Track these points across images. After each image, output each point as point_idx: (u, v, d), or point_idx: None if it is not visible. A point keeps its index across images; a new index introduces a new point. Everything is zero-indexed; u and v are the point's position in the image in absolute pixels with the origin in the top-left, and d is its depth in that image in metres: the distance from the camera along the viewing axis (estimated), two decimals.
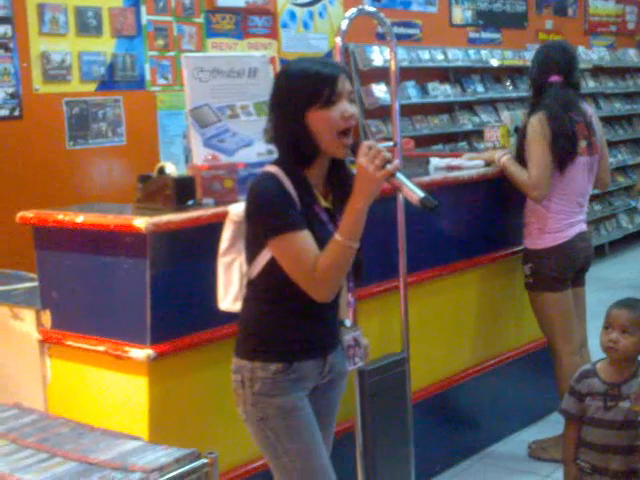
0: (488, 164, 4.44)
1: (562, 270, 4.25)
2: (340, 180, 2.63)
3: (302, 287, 2.49)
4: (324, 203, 2.60)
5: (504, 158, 4.32)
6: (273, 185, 2.49)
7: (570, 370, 4.22)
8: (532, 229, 4.26)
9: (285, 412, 2.57)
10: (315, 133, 2.48)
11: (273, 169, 2.53)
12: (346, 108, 2.48)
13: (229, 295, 2.80)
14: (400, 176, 2.41)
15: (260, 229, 2.51)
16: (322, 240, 2.48)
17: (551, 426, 4.64)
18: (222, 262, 2.83)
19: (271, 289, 2.59)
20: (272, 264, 2.53)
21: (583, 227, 4.31)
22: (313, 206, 2.55)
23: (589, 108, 4.40)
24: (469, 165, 4.41)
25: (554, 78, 4.22)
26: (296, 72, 2.54)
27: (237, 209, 2.80)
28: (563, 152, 4.14)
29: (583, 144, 4.23)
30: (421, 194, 2.37)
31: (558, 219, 4.21)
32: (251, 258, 2.60)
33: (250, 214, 2.54)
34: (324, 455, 2.65)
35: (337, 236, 2.44)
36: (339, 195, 2.61)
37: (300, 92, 2.48)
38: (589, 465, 3.23)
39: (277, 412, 2.57)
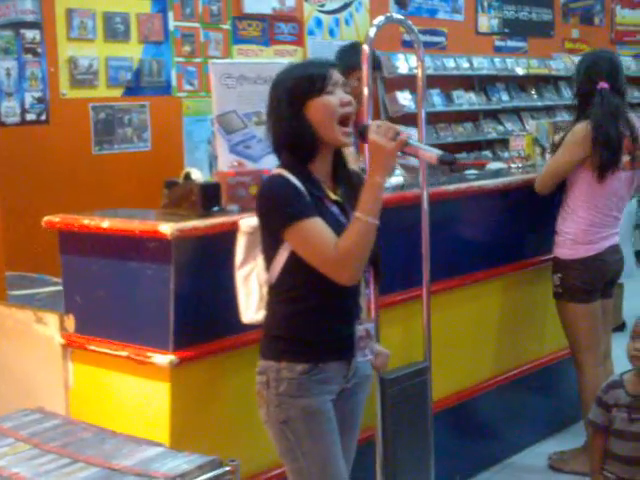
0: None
1: (591, 282, 4.22)
2: (344, 175, 2.70)
3: (325, 271, 2.51)
4: (333, 196, 2.65)
5: None
6: (281, 181, 2.55)
7: (593, 381, 4.20)
8: (565, 239, 4.21)
9: (308, 415, 2.58)
10: (315, 123, 2.56)
11: (278, 171, 2.59)
12: (343, 95, 2.59)
13: (250, 306, 2.86)
14: (413, 142, 2.55)
15: (275, 222, 2.54)
16: (335, 232, 2.52)
17: (571, 438, 4.61)
18: (239, 275, 2.90)
19: (292, 289, 2.61)
20: (290, 262, 2.56)
21: (615, 240, 4.28)
22: (323, 200, 2.60)
23: (637, 120, 4.34)
24: None
25: (602, 85, 4.16)
26: (288, 74, 2.63)
27: (248, 221, 2.88)
28: (604, 163, 4.10)
29: (626, 158, 4.18)
30: (438, 152, 2.52)
31: (592, 231, 4.17)
32: (269, 262, 2.63)
33: (263, 212, 2.59)
34: (341, 462, 2.65)
35: (357, 214, 2.49)
36: (346, 189, 2.68)
37: (296, 88, 2.57)
38: (615, 477, 3.21)
39: (300, 414, 2.58)
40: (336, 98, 2.57)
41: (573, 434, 4.63)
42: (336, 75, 2.60)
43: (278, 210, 2.53)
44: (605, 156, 4.09)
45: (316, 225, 2.50)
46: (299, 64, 2.76)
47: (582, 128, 4.13)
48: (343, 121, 2.58)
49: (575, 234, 4.18)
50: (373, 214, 2.49)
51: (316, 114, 2.56)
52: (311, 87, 2.56)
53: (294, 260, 2.55)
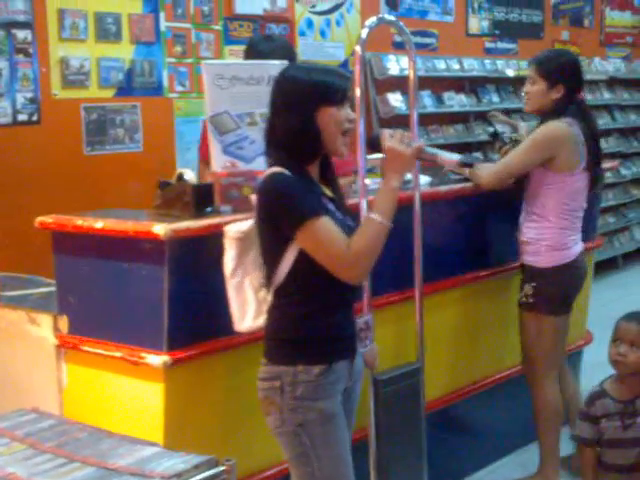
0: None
1: (569, 291, 4.08)
2: (331, 176, 2.76)
3: (336, 270, 2.54)
4: (329, 193, 2.70)
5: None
6: (286, 178, 2.57)
7: (554, 398, 4.11)
8: (540, 246, 4.00)
9: (325, 417, 2.61)
10: (322, 130, 2.59)
11: (277, 169, 2.60)
12: (349, 112, 2.65)
13: (248, 314, 2.84)
14: (429, 149, 2.61)
15: (288, 221, 2.54)
16: None
17: None
18: (232, 284, 2.86)
19: (301, 290, 2.61)
20: (298, 263, 2.57)
21: (582, 244, 4.14)
22: (321, 197, 2.64)
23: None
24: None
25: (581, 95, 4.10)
26: (306, 77, 2.63)
27: (236, 227, 2.86)
28: (594, 171, 4.05)
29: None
30: (458, 157, 2.64)
31: (566, 235, 4.01)
32: (274, 263, 2.61)
33: (272, 210, 2.58)
34: (351, 465, 2.69)
35: (374, 216, 2.56)
36: (333, 189, 2.75)
37: (315, 93, 2.59)
38: None
39: (318, 417, 2.59)
40: (345, 112, 2.62)
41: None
42: (350, 89, 2.69)
43: (290, 209, 2.53)
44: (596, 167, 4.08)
45: (326, 223, 2.53)
46: (316, 68, 2.73)
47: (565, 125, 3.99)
48: (344, 133, 2.63)
49: (550, 240, 3.99)
50: (387, 217, 2.56)
51: (326, 122, 2.59)
52: (330, 96, 2.59)
53: (303, 259, 2.56)
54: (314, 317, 2.62)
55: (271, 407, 2.63)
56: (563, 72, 4.04)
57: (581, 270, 4.12)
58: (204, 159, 4.02)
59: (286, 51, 4.12)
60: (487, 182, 4.00)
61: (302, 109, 2.58)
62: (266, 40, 4.32)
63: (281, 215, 2.55)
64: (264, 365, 2.65)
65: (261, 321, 2.76)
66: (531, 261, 4.06)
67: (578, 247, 4.08)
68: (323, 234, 2.51)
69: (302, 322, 2.62)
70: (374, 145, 2.63)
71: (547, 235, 4.01)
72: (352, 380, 2.75)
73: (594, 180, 4.10)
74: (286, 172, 2.56)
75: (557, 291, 4.05)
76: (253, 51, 4.11)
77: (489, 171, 4.00)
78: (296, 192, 2.53)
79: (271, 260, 2.62)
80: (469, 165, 2.60)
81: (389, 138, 2.61)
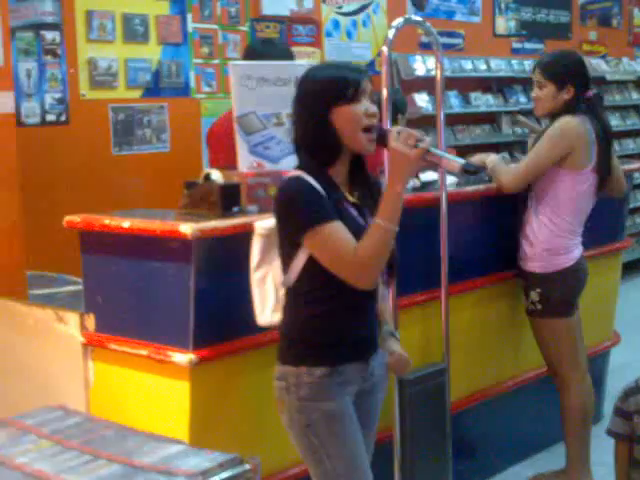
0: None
1: (574, 293, 4.07)
2: (362, 178, 2.70)
3: (344, 276, 2.51)
4: (351, 198, 2.65)
5: (491, 158, 4.14)
6: (300, 183, 2.54)
7: (582, 397, 4.09)
8: (541, 250, 3.99)
9: (330, 417, 2.59)
10: (339, 129, 2.55)
11: (297, 173, 2.58)
12: (369, 106, 2.56)
13: (266, 309, 2.86)
14: (435, 150, 2.51)
15: (294, 226, 2.54)
16: (354, 234, 2.52)
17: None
18: (255, 277, 2.90)
19: (311, 291, 2.61)
20: (309, 264, 2.56)
21: (582, 247, 4.10)
22: (342, 202, 2.60)
23: None
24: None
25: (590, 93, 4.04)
26: (323, 75, 2.61)
27: (263, 223, 2.89)
28: (603, 172, 4.01)
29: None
30: (462, 161, 2.49)
31: (568, 238, 3.99)
32: (287, 264, 2.62)
33: (282, 214, 2.58)
34: (366, 461, 2.67)
35: (378, 220, 2.49)
36: (363, 192, 2.68)
37: (327, 91, 2.55)
38: None
39: (323, 417, 2.58)
40: (362, 107, 2.55)
41: None
42: (367, 84, 2.58)
43: (297, 214, 2.53)
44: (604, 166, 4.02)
45: (335, 230, 2.50)
46: (332, 65, 2.74)
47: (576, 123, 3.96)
48: (366, 129, 2.56)
49: (553, 244, 3.98)
50: (393, 221, 2.49)
51: (341, 121, 2.54)
52: (343, 93, 2.53)
53: (313, 262, 2.55)
54: (321, 319, 2.61)
55: (282, 407, 2.65)
56: (571, 73, 4.01)
57: (583, 272, 4.12)
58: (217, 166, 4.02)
59: (286, 55, 4.11)
60: (509, 184, 4.00)
61: (315, 110, 2.56)
62: (266, 44, 4.33)
63: (289, 220, 2.55)
64: (276, 364, 2.67)
65: (278, 317, 2.77)
66: (533, 267, 4.05)
67: (579, 250, 4.06)
68: (330, 240, 2.49)
69: (309, 323, 2.62)
70: (381, 141, 2.57)
71: (548, 238, 3.99)
72: (368, 382, 2.72)
73: (602, 182, 4.05)
74: (304, 176, 2.54)
75: (563, 294, 4.05)
76: (253, 55, 4.11)
77: (509, 173, 4.01)
78: (306, 198, 2.51)
79: (285, 261, 2.64)
80: (472, 172, 2.52)
81: (395, 137, 2.51)
